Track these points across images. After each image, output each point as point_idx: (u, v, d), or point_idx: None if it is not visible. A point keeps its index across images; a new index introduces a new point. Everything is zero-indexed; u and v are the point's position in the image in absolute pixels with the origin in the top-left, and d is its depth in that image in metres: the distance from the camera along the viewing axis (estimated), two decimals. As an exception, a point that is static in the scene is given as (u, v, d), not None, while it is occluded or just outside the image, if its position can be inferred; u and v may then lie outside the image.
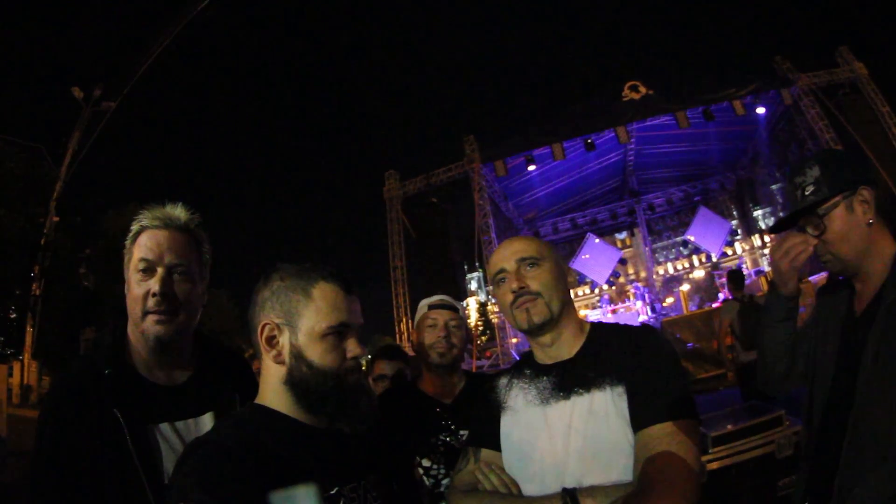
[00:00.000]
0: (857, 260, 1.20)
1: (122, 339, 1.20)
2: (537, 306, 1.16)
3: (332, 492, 0.91)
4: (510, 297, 1.19)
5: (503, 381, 1.29)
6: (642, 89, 13.35)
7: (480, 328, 28.10)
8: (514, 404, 1.21)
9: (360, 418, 0.98)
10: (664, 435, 0.99)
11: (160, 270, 1.16)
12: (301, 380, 0.95)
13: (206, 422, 1.19)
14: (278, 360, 0.96)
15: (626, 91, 13.38)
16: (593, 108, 13.74)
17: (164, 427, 1.14)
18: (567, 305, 1.20)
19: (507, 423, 1.20)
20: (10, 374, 12.13)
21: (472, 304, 29.83)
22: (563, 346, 1.20)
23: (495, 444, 1.20)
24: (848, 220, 1.19)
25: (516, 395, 1.22)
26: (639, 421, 1.03)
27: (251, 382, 1.35)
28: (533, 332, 1.19)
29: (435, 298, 1.85)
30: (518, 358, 1.55)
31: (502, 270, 1.22)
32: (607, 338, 1.19)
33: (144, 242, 1.18)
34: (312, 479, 0.88)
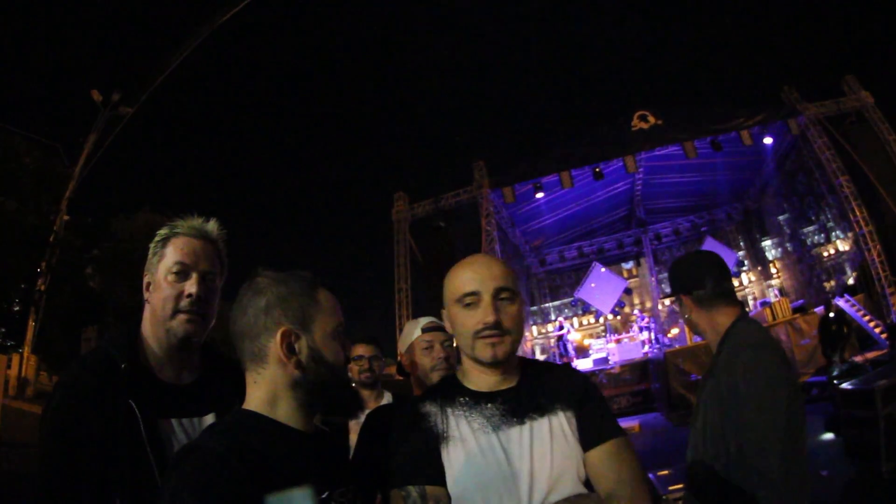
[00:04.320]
0: (704, 332, 1.63)
1: (136, 337, 1.28)
2: (504, 344, 1.15)
3: (323, 496, 0.92)
4: (478, 327, 1.14)
5: (432, 408, 1.19)
6: (651, 119, 13.43)
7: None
8: (458, 433, 1.13)
9: (355, 409, 1.10)
10: (616, 450, 1.14)
11: (195, 275, 1.27)
12: (317, 380, 0.98)
13: (209, 422, 1.24)
14: (297, 365, 0.98)
15: (635, 121, 13.47)
16: (602, 137, 13.79)
17: (173, 422, 1.21)
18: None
19: (454, 453, 1.12)
20: (9, 366, 12.13)
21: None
22: (505, 376, 1.21)
23: (439, 479, 1.10)
24: (684, 311, 1.67)
25: (457, 423, 1.15)
26: (590, 440, 1.15)
27: None
28: (490, 365, 1.18)
29: (427, 321, 1.86)
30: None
31: (475, 294, 1.15)
32: (540, 370, 1.27)
33: (181, 247, 1.28)
34: (304, 483, 0.89)
